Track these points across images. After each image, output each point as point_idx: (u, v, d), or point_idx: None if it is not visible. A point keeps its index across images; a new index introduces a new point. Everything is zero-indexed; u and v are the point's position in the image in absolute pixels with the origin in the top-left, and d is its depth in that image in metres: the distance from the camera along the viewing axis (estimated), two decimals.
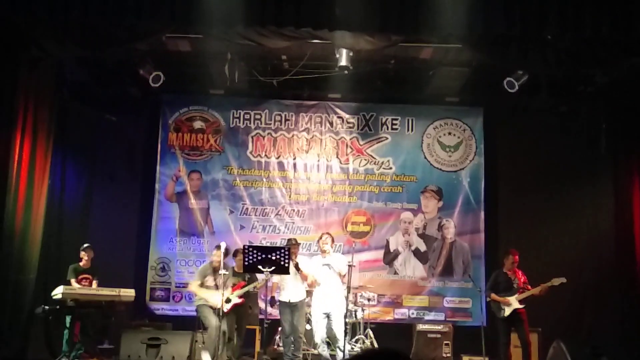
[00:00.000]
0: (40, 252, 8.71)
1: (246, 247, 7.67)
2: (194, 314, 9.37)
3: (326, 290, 8.02)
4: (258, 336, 9.16)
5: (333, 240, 8.48)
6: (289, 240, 8.64)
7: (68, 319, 8.55)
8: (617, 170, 9.77)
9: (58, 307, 8.37)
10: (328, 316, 8.02)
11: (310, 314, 8.40)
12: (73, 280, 8.81)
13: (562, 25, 7.16)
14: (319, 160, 10.95)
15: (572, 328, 9.40)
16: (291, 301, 8.21)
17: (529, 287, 8.51)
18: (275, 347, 9.08)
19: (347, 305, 7.96)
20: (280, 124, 11.01)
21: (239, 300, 8.41)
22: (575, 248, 10.11)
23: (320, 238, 8.43)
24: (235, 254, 9.04)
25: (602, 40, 7.49)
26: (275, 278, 8.49)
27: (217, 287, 8.24)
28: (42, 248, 8.76)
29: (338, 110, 11.02)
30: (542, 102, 10.10)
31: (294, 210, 10.82)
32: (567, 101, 10.17)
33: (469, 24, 7.26)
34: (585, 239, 10.17)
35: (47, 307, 8.34)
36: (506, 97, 9.37)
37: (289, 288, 8.25)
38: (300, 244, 8.62)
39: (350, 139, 10.97)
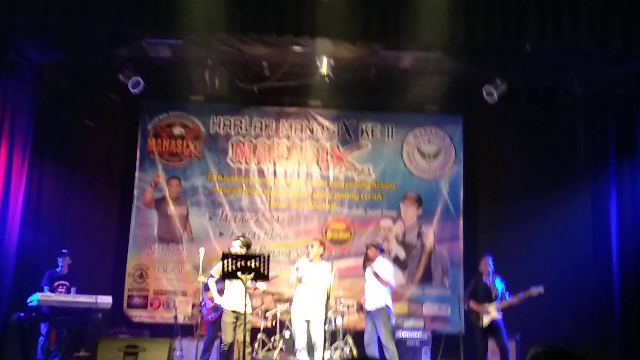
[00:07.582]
0: (16, 258, 8.58)
1: (225, 254, 7.58)
2: (172, 321, 9.33)
3: (308, 296, 7.97)
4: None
5: (323, 247, 8.35)
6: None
7: (44, 326, 8.45)
8: (595, 179, 9.87)
9: (34, 314, 8.27)
10: (308, 323, 7.99)
11: (290, 321, 8.35)
12: (46, 288, 8.71)
13: (541, 36, 7.25)
14: (299, 167, 10.93)
15: (550, 334, 9.45)
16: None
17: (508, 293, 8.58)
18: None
19: (327, 312, 7.94)
20: (261, 131, 10.98)
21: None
22: (553, 255, 10.15)
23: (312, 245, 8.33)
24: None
25: (580, 51, 7.59)
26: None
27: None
28: (18, 254, 8.63)
29: (318, 118, 11.02)
30: (521, 112, 10.19)
31: (273, 217, 10.79)
32: (545, 111, 10.26)
33: (449, 33, 7.33)
34: (563, 246, 10.22)
35: (22, 314, 8.23)
36: (485, 105, 9.43)
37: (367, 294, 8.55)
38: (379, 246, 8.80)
39: (331, 146, 10.98)
